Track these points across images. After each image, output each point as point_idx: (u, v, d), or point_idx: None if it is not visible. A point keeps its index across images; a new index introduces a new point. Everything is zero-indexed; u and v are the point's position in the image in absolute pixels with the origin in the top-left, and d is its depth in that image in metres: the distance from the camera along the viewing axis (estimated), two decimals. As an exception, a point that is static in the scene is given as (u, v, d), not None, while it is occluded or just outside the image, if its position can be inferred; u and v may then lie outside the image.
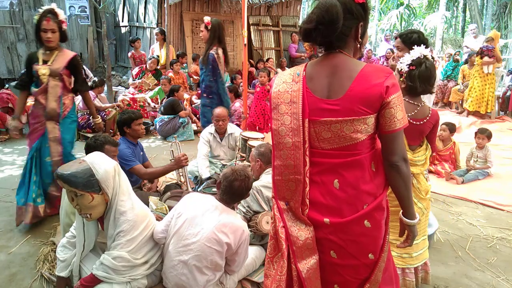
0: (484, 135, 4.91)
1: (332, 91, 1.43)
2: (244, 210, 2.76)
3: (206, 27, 4.53)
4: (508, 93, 8.12)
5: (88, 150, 2.74)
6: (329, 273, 1.57)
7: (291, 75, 1.52)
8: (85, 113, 6.00)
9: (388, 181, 1.54)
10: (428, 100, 2.85)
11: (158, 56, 7.87)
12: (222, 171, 2.50)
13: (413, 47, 2.36)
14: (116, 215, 2.17)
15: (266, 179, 2.82)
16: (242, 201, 2.79)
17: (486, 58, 7.69)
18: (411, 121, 2.28)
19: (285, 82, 1.51)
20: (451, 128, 4.99)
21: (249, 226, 2.73)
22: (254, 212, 2.75)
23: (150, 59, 7.53)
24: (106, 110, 6.09)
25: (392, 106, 1.40)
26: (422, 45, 2.37)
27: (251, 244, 2.72)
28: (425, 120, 2.35)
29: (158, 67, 7.78)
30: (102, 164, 2.15)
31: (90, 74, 7.52)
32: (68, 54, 3.31)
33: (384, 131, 1.45)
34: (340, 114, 1.41)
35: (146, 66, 7.53)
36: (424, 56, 2.31)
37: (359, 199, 1.48)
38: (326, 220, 1.49)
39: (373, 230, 1.51)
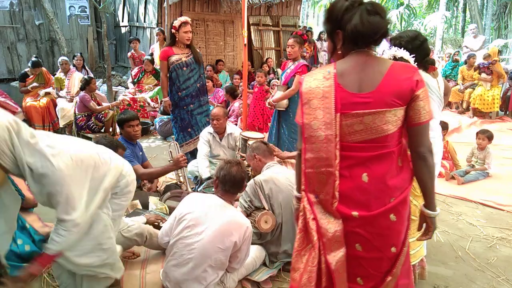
0: (484, 135, 4.88)
1: (363, 85, 1.50)
2: (246, 205, 2.76)
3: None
4: (508, 93, 8.12)
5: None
6: (353, 266, 1.61)
7: (322, 73, 1.57)
8: (84, 114, 5.99)
9: (415, 173, 1.60)
10: (438, 108, 2.77)
11: (151, 55, 7.81)
12: (215, 170, 2.53)
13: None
14: (34, 177, 1.70)
15: (267, 173, 2.81)
16: (244, 195, 2.80)
17: (483, 75, 7.86)
18: None
19: (316, 79, 1.57)
20: (443, 126, 4.91)
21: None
22: (255, 207, 2.76)
23: (144, 60, 7.48)
24: (104, 112, 6.07)
25: (422, 99, 1.48)
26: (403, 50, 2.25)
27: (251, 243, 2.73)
28: None
29: (158, 67, 7.76)
30: None
31: (91, 75, 7.52)
32: None
33: (413, 123, 1.52)
34: (373, 106, 1.47)
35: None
36: (397, 58, 2.18)
37: (386, 193, 1.53)
38: (355, 213, 1.54)
39: (397, 223, 1.57)
